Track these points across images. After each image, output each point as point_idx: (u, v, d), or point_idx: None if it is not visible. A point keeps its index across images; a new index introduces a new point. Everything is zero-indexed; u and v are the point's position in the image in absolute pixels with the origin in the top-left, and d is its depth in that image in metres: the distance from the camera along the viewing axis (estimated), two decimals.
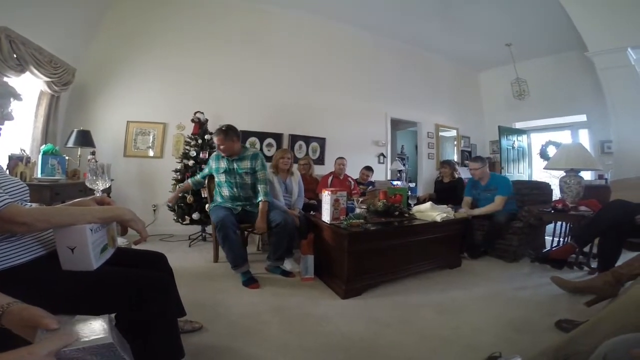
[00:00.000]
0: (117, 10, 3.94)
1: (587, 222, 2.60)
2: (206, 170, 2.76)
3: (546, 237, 3.46)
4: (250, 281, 2.28)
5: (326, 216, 2.36)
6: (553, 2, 3.99)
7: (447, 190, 4.26)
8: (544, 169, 3.79)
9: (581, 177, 3.20)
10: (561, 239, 3.27)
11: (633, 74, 3.70)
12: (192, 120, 3.72)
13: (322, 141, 4.92)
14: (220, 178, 2.63)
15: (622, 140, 3.86)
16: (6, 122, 1.03)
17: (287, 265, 2.55)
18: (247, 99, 4.36)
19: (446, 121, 6.39)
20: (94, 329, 0.60)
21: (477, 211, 3.25)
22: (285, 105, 4.59)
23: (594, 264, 2.59)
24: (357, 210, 2.58)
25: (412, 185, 6.13)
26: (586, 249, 2.67)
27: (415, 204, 3.04)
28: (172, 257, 1.40)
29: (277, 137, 4.56)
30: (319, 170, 4.39)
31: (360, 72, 5.36)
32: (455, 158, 6.36)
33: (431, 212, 2.63)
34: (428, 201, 2.97)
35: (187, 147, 3.62)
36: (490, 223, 3.10)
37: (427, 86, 6.12)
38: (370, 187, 4.29)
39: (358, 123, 5.32)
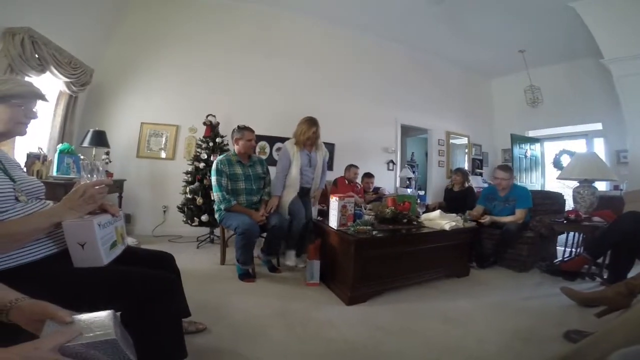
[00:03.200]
0: (133, 14, 4.08)
1: (600, 234, 2.54)
2: (222, 181, 2.56)
3: (558, 248, 3.37)
4: (246, 275, 2.43)
5: (333, 222, 2.36)
6: (567, 9, 3.95)
7: (457, 199, 4.22)
8: (557, 178, 3.70)
9: (595, 188, 3.12)
10: (573, 250, 3.19)
11: None
12: (204, 123, 3.78)
13: (331, 147, 4.90)
14: (238, 185, 2.62)
15: (638, 150, 3.73)
16: (31, 121, 1.07)
17: (291, 260, 2.79)
18: (257, 103, 4.41)
19: (457, 128, 6.30)
20: (98, 324, 0.61)
21: (497, 219, 3.19)
22: (295, 109, 4.60)
23: (606, 275, 2.52)
24: (365, 217, 2.58)
25: (421, 193, 6.08)
26: (599, 260, 2.59)
27: (424, 212, 3.01)
28: (180, 258, 1.42)
29: (285, 141, 4.57)
30: (327, 176, 4.38)
31: (370, 77, 5.35)
32: (466, 166, 6.26)
33: (440, 221, 2.60)
34: (437, 209, 2.94)
35: (199, 150, 3.68)
36: (502, 232, 3.04)
37: (438, 93, 6.06)
38: (380, 194, 4.30)
39: (368, 129, 5.31)
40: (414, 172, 6.42)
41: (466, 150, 6.44)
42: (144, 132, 4.04)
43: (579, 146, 5.75)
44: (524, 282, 2.65)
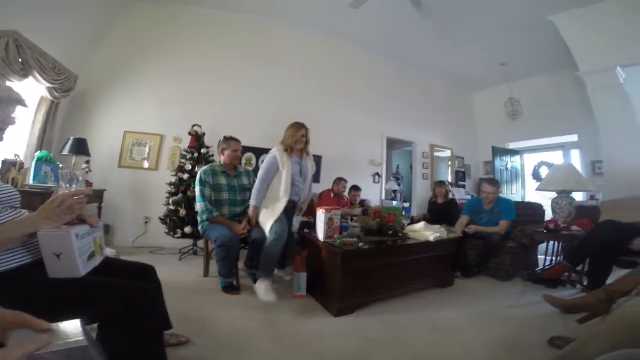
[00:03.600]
0: (122, 21, 4.07)
1: (578, 242, 2.63)
2: (205, 191, 2.53)
3: (539, 256, 3.46)
4: (229, 287, 2.38)
5: (320, 234, 2.36)
6: (546, 23, 4.13)
7: (440, 211, 4.28)
8: (536, 190, 3.83)
9: (572, 198, 3.24)
10: (553, 258, 3.28)
11: (622, 93, 3.75)
12: (190, 133, 3.73)
13: (317, 158, 4.93)
14: (221, 196, 2.61)
15: (612, 161, 3.87)
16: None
17: (261, 290, 2.20)
18: (245, 114, 4.40)
19: (441, 141, 6.47)
20: (68, 332, 0.59)
21: (482, 229, 3.24)
22: (284, 120, 4.56)
23: (586, 282, 2.59)
24: (351, 229, 2.62)
25: (406, 205, 6.16)
26: (578, 267, 2.67)
27: (409, 224, 3.04)
28: (162, 270, 1.38)
29: None
30: (313, 189, 4.37)
31: (357, 89, 5.46)
32: (450, 178, 6.41)
33: (424, 232, 2.64)
34: (422, 221, 2.99)
35: (183, 160, 3.62)
36: (485, 243, 3.10)
37: (423, 106, 6.23)
38: (366, 206, 4.32)
39: (355, 141, 5.38)
40: (399, 185, 6.51)
41: (449, 163, 6.61)
42: (127, 141, 3.95)
43: (556, 157, 5.99)
44: (507, 291, 2.69)
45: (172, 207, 3.43)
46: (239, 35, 4.55)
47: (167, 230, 3.45)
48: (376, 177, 5.62)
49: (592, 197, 4.55)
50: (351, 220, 3.40)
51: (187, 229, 3.36)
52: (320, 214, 2.36)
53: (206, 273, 2.77)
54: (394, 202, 5.56)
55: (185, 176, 3.51)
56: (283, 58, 4.80)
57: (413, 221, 3.96)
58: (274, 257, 2.28)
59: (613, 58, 3.74)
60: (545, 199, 4.18)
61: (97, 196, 3.44)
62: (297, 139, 2.52)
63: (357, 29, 4.84)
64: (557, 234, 2.98)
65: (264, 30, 4.70)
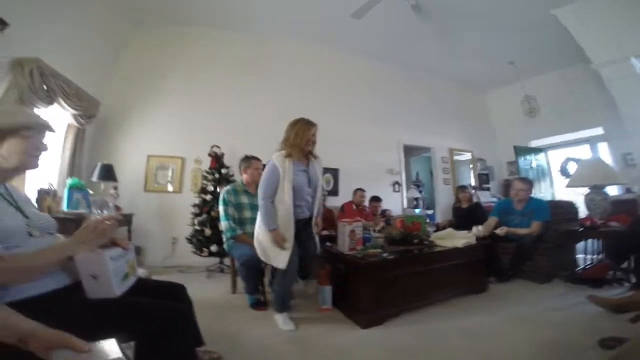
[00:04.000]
0: (132, 47, 4.31)
1: (618, 238, 2.47)
2: (229, 210, 2.56)
3: (578, 256, 3.27)
4: (257, 304, 2.36)
5: (343, 246, 2.37)
6: (550, 18, 4.05)
7: (465, 216, 4.15)
8: (566, 187, 3.65)
9: (606, 193, 3.07)
10: (594, 257, 3.09)
11: (638, 82, 3.61)
12: (209, 154, 3.85)
13: (335, 172, 4.94)
14: (243, 214, 2.63)
15: None
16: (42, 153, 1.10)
17: (280, 320, 2.05)
18: (261, 131, 4.40)
19: (459, 144, 6.33)
20: (107, 351, 0.64)
21: (513, 230, 3.11)
22: None
23: (634, 279, 2.42)
24: (374, 240, 2.61)
25: (430, 212, 6.01)
26: (624, 265, 2.49)
27: (434, 231, 2.97)
28: (191, 288, 1.40)
29: None
30: (332, 202, 4.39)
31: (370, 99, 5.49)
32: (473, 182, 6.22)
33: (452, 239, 2.60)
34: (448, 228, 2.91)
35: (205, 182, 3.71)
36: (517, 245, 2.97)
37: (437, 110, 6.17)
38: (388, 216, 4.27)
39: (371, 152, 5.36)
40: (420, 192, 6.38)
41: (471, 166, 6.43)
42: (151, 165, 4.12)
43: (583, 152, 5.71)
44: (546, 293, 2.56)
45: (197, 228, 3.50)
46: (248, 53, 4.71)
47: (194, 250, 3.53)
48: (396, 186, 5.55)
49: (628, 191, 4.29)
50: (374, 231, 3.37)
51: (214, 248, 3.41)
52: (342, 227, 2.37)
53: (234, 290, 2.78)
54: (417, 210, 5.44)
55: (208, 197, 3.59)
56: (294, 72, 4.92)
57: (439, 228, 3.86)
58: (286, 290, 2.12)
59: (626, 49, 3.62)
60: (577, 196, 3.98)
61: (127, 220, 3.57)
62: (307, 139, 2.10)
63: (363, 38, 4.89)
64: (595, 231, 2.82)
65: (271, 45, 4.83)
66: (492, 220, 3.33)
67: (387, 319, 2.08)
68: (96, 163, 3.54)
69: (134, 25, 4.25)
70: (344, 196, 4.59)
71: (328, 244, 2.84)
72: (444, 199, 5.93)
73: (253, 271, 2.33)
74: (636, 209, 3.01)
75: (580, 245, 3.24)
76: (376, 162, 5.41)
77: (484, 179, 6.43)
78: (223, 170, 3.80)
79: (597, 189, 3.06)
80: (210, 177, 3.73)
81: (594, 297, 1.83)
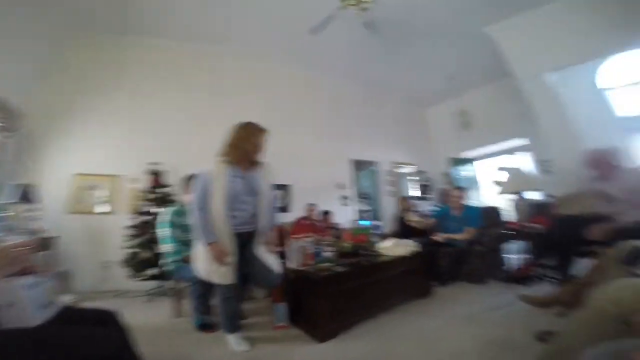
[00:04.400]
0: (68, 56, 3.91)
1: (539, 239, 2.75)
2: (175, 232, 2.42)
3: (508, 256, 3.57)
4: (206, 326, 2.24)
5: (294, 262, 2.37)
6: (484, 34, 4.52)
7: (409, 226, 4.34)
8: (497, 194, 4.02)
9: (529, 198, 3.43)
10: (521, 257, 3.40)
11: (554, 95, 4.14)
12: (148, 172, 3.58)
13: (286, 188, 4.89)
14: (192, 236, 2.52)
15: (559, 159, 4.18)
16: None
17: (232, 341, 1.94)
18: (205, 148, 4.25)
19: (402, 158, 6.73)
20: None
21: (452, 236, 3.37)
22: None
23: (555, 276, 2.67)
24: (325, 254, 2.58)
25: (378, 223, 6.19)
26: (546, 262, 2.76)
27: (380, 241, 3.05)
28: (130, 314, 1.32)
29: None
30: (285, 218, 4.30)
31: (320, 115, 5.64)
32: (415, 193, 6.60)
33: (396, 247, 2.71)
34: (392, 238, 3.03)
35: (142, 202, 3.45)
36: (454, 250, 3.19)
37: (383, 125, 6.53)
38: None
39: (321, 167, 5.45)
40: (368, 205, 6.57)
41: (412, 178, 6.82)
42: (79, 184, 3.68)
43: (510, 161, 6.37)
44: (484, 293, 2.75)
45: (134, 250, 3.25)
46: (193, 66, 4.55)
47: (130, 273, 3.25)
48: (344, 199, 5.64)
49: (547, 195, 4.85)
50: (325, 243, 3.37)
51: (153, 271, 3.17)
52: (293, 243, 2.40)
53: (179, 313, 2.61)
54: (367, 222, 5.57)
55: (146, 218, 3.34)
56: (241, 88, 4.85)
57: (385, 238, 3.97)
58: (232, 310, 1.96)
59: (542, 64, 4.14)
60: (504, 202, 4.40)
61: (48, 244, 3.12)
62: (256, 145, 1.96)
63: (314, 54, 5.02)
64: (519, 233, 3.12)
65: (219, 60, 4.74)
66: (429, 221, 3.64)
67: (343, 331, 2.09)
68: (14, 182, 3.08)
69: (66, 30, 3.86)
70: (297, 212, 4.53)
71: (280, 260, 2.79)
72: (390, 210, 6.17)
73: (209, 289, 2.20)
74: (553, 212, 3.39)
75: (508, 246, 3.55)
76: (325, 177, 5.51)
77: (425, 189, 6.85)
78: (163, 190, 3.56)
79: (520, 195, 3.41)
80: (148, 196, 3.47)
81: (524, 295, 2.00)
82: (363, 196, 7.86)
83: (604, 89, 4.91)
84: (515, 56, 4.42)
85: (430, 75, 5.91)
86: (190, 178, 2.66)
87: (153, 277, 3.20)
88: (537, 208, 3.66)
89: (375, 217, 6.43)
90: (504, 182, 3.73)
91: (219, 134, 4.22)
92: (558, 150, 4.17)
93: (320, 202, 4.81)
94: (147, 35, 4.29)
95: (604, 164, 2.50)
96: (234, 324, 1.97)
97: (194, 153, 4.07)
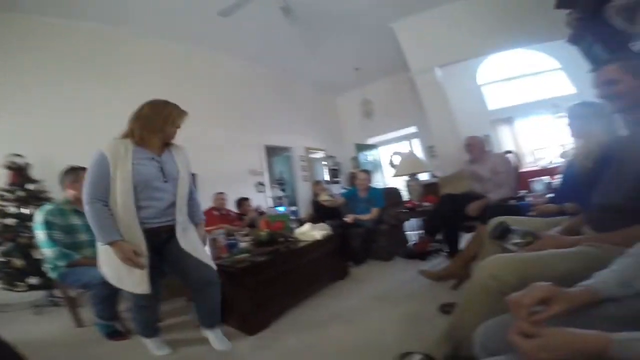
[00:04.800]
0: None
1: (429, 216, 3.20)
2: (55, 235, 2.06)
3: (408, 233, 4.07)
4: (115, 333, 2.03)
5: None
6: (388, 29, 4.87)
7: (324, 208, 4.54)
8: (393, 176, 4.52)
9: (419, 179, 3.95)
10: (418, 233, 3.93)
11: (439, 88, 4.82)
12: (6, 167, 2.85)
13: (193, 177, 4.49)
14: (78, 238, 2.17)
15: (440, 144, 4.95)
16: None
17: (150, 346, 1.79)
18: (89, 135, 3.46)
19: (314, 144, 6.93)
20: None
21: (360, 217, 3.66)
22: None
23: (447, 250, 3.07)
24: (242, 245, 2.53)
25: (293, 209, 6.30)
26: (438, 237, 3.18)
27: (297, 227, 3.12)
28: (15, 330, 1.12)
29: None
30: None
31: (230, 101, 5.27)
32: (326, 177, 6.91)
33: (312, 232, 2.77)
34: (308, 222, 3.10)
35: (3, 203, 2.78)
36: (362, 230, 3.47)
37: (296, 112, 6.54)
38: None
39: (232, 154, 5.17)
40: (284, 190, 6.60)
41: (324, 163, 7.12)
42: None
43: (404, 147, 7.24)
44: (392, 270, 3.04)
45: (2, 259, 2.68)
46: (78, 44, 3.71)
47: (2, 286, 2.68)
48: (260, 186, 5.54)
49: (433, 176, 5.67)
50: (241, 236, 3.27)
51: (34, 280, 2.68)
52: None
53: (79, 323, 2.29)
54: (282, 208, 5.60)
55: (10, 221, 2.73)
56: (139, 70, 4.18)
57: (301, 223, 4.08)
58: (148, 318, 1.75)
59: (432, 60, 4.75)
60: (401, 183, 4.98)
61: None
62: (176, 127, 1.70)
63: (227, 37, 4.68)
64: (415, 211, 3.59)
65: (113, 40, 3.99)
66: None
67: (273, 320, 2.10)
68: None
69: None
70: (204, 203, 4.23)
71: None
72: (304, 194, 6.36)
73: (113, 294, 1.93)
74: (439, 191, 3.98)
75: (407, 224, 4.06)
76: (238, 164, 5.27)
77: (334, 173, 7.24)
78: (30, 186, 2.90)
79: (413, 176, 3.90)
80: (10, 195, 2.80)
81: (423, 271, 2.23)
82: (278, 182, 7.86)
83: (481, 85, 5.94)
84: (411, 51, 4.93)
85: (340, 65, 6.16)
86: (70, 171, 2.27)
87: (36, 287, 2.71)
88: (427, 188, 4.26)
89: (292, 203, 6.52)
90: (398, 165, 4.20)
91: (109, 123, 3.66)
92: (441, 137, 4.89)
93: (235, 190, 4.62)
94: (30, 13, 3.39)
95: (476, 148, 3.04)
96: (150, 328, 1.78)
97: (70, 141, 3.40)
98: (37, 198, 2.90)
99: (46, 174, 2.97)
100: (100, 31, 3.89)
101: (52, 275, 2.14)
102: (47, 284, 2.70)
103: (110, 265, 1.56)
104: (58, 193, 2.85)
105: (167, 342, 1.83)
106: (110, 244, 1.45)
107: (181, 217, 1.67)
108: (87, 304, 2.19)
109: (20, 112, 3.25)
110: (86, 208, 1.46)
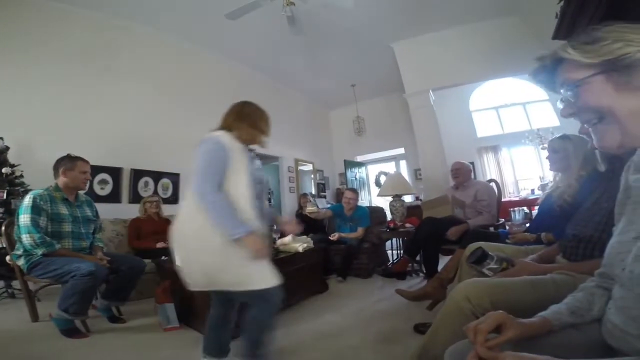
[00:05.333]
0: None
1: (410, 237, 3.23)
2: (40, 221, 2.00)
3: (389, 252, 4.08)
4: (73, 331, 1.96)
5: (179, 260, 2.11)
6: (388, 49, 4.96)
7: (309, 221, 4.51)
8: (377, 195, 4.56)
9: (403, 201, 4.00)
10: (398, 252, 3.94)
11: (431, 112, 4.89)
12: None
13: (175, 177, 4.40)
14: (62, 227, 2.13)
15: (426, 168, 4.96)
16: None
17: None
18: (73, 125, 3.43)
19: (304, 156, 6.87)
20: None
21: (344, 235, 3.67)
22: (128, 134, 3.88)
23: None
24: None
25: None
26: (418, 258, 3.24)
27: (279, 238, 3.08)
28: None
29: (115, 172, 3.72)
30: (172, 210, 3.87)
31: (222, 103, 4.96)
32: (313, 191, 6.90)
33: (294, 244, 2.75)
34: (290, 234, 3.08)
35: None
36: (346, 247, 3.47)
37: (287, 122, 6.43)
38: None
39: None
40: (269, 200, 6.55)
41: (312, 176, 7.12)
42: None
43: (390, 167, 7.36)
44: (371, 288, 3.06)
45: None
46: (73, 32, 3.60)
47: None
48: None
49: (417, 198, 5.74)
50: None
51: None
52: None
53: (35, 317, 2.18)
54: None
55: None
56: (132, 64, 4.07)
57: (283, 235, 4.04)
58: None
59: (427, 83, 4.83)
60: (386, 203, 5.02)
61: None
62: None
63: (230, 41, 4.67)
64: (397, 231, 3.61)
65: (113, 32, 3.90)
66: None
67: None
68: None
69: None
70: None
71: (164, 257, 2.59)
72: (290, 206, 6.30)
73: (96, 284, 1.99)
74: (421, 213, 4.02)
75: (388, 243, 4.08)
76: None
77: (321, 187, 7.25)
78: (4, 170, 2.78)
79: (397, 197, 3.94)
80: None
81: (400, 290, 2.22)
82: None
83: (473, 111, 6.11)
84: (407, 72, 5.03)
85: (337, 80, 6.23)
86: (66, 158, 2.24)
87: None
88: (410, 210, 4.30)
89: (276, 213, 6.46)
90: (383, 185, 4.25)
91: (89, 111, 3.58)
92: (428, 161, 4.95)
93: None
94: None
95: (462, 174, 3.12)
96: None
97: (51, 128, 3.30)
98: (10, 183, 2.79)
99: (22, 159, 2.87)
100: (94, 19, 3.78)
101: (21, 263, 2.04)
102: (6, 274, 2.56)
103: (246, 266, 1.31)
104: (32, 179, 2.80)
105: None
106: (247, 235, 1.26)
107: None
108: (52, 298, 2.13)
109: (1, 95, 3.12)
110: (210, 198, 1.28)
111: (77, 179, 2.22)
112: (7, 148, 2.84)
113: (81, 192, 2.39)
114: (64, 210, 2.15)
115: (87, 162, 2.31)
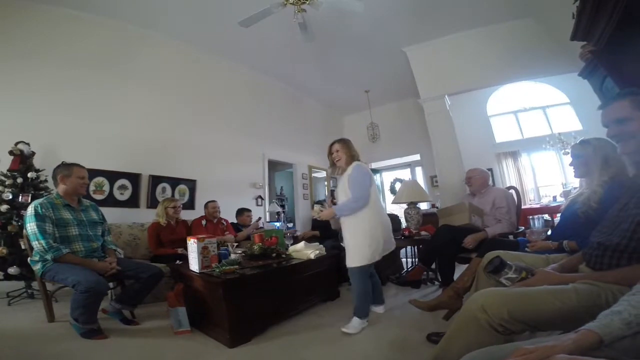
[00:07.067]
0: None
1: (426, 245, 3.15)
2: (46, 227, 2.06)
3: (403, 260, 3.99)
4: (92, 333, 1.98)
5: (194, 265, 2.21)
6: (401, 54, 4.94)
7: (324, 227, 4.48)
8: (392, 203, 4.48)
9: (419, 208, 3.92)
10: (413, 260, 3.85)
11: (447, 117, 4.76)
12: (11, 152, 2.86)
13: (191, 183, 4.50)
14: (69, 232, 2.18)
15: (443, 175, 4.82)
16: None
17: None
18: (95, 131, 3.58)
19: (317, 162, 6.87)
20: None
21: None
22: (147, 141, 4.02)
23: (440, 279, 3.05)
24: (233, 256, 2.51)
25: (290, 225, 6.25)
26: (433, 267, 3.16)
27: (292, 244, 3.07)
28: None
29: (134, 177, 3.85)
30: (188, 216, 3.95)
31: (237, 110, 5.31)
32: (327, 198, 6.88)
33: (306, 251, 2.74)
34: (303, 241, 3.08)
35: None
36: None
37: (301, 128, 6.54)
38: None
39: (234, 164, 5.17)
40: (283, 206, 6.59)
41: (325, 183, 7.11)
42: None
43: (405, 174, 7.24)
44: (385, 296, 2.90)
45: None
46: (93, 40, 3.77)
47: None
48: (259, 199, 5.52)
49: (433, 206, 5.62)
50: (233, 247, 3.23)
51: (13, 270, 2.61)
52: (192, 244, 2.22)
53: (51, 318, 2.24)
54: (278, 224, 5.56)
55: (4, 208, 2.73)
56: (150, 71, 4.24)
57: (297, 240, 4.03)
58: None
59: (443, 88, 4.73)
60: (401, 210, 4.93)
61: None
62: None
63: (243, 47, 4.76)
64: (411, 239, 3.53)
65: (126, 36, 4.05)
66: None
67: (256, 335, 2.04)
68: None
69: None
70: (200, 210, 4.21)
71: (178, 262, 2.68)
72: (303, 212, 6.31)
73: (100, 299, 2.01)
74: (437, 221, 3.93)
75: (402, 251, 3.99)
76: (240, 175, 5.26)
77: (333, 195, 7.20)
78: (30, 175, 2.92)
79: (412, 205, 3.86)
80: (8, 181, 2.82)
81: (414, 300, 2.15)
82: (278, 197, 7.85)
83: (490, 116, 5.95)
84: (422, 77, 4.94)
85: (351, 85, 6.22)
86: (62, 166, 2.30)
87: (14, 277, 2.66)
88: (426, 217, 4.20)
89: (290, 219, 6.48)
90: (398, 192, 4.17)
91: (114, 120, 3.71)
92: (444, 167, 4.83)
93: (233, 201, 4.61)
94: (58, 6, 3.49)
95: (477, 181, 3.03)
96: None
97: (74, 135, 3.43)
98: (35, 187, 2.92)
99: (46, 164, 2.98)
100: (116, 27, 3.94)
101: (37, 268, 2.11)
102: (26, 275, 2.68)
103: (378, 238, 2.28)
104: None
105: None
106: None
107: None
108: (69, 299, 2.13)
109: (28, 102, 3.27)
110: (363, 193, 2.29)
111: (75, 185, 2.27)
112: (33, 153, 2.99)
113: (84, 200, 2.44)
114: (67, 215, 2.21)
115: (82, 167, 2.36)
